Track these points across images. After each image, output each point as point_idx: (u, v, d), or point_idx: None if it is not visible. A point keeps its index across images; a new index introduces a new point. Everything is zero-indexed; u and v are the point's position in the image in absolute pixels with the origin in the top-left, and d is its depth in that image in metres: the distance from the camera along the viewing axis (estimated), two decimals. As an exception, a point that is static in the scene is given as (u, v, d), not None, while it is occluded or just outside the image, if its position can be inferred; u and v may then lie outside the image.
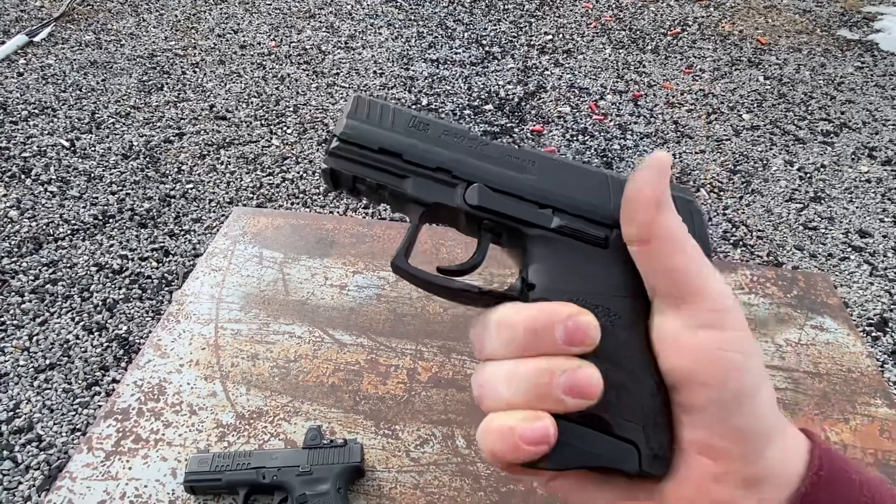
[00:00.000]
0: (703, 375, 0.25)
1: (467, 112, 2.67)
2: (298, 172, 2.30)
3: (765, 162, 2.41)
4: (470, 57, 3.05)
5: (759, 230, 2.11)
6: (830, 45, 3.19)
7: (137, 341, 1.69)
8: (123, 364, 1.64)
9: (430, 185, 0.31)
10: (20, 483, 1.39)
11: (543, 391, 0.25)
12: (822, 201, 2.24)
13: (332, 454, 0.55)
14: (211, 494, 0.55)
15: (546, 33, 3.26)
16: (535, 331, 0.26)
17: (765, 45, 3.17)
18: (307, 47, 3.07)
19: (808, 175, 2.35)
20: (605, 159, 2.42)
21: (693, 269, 0.26)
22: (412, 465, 0.58)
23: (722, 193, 2.27)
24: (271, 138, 2.46)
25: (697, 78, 2.91)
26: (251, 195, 2.20)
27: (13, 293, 1.80)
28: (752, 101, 2.76)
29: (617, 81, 2.87)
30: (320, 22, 3.30)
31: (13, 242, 1.96)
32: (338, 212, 2.12)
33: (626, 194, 0.27)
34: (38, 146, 2.35)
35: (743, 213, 2.18)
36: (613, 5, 3.53)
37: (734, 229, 2.12)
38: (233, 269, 0.77)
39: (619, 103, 2.73)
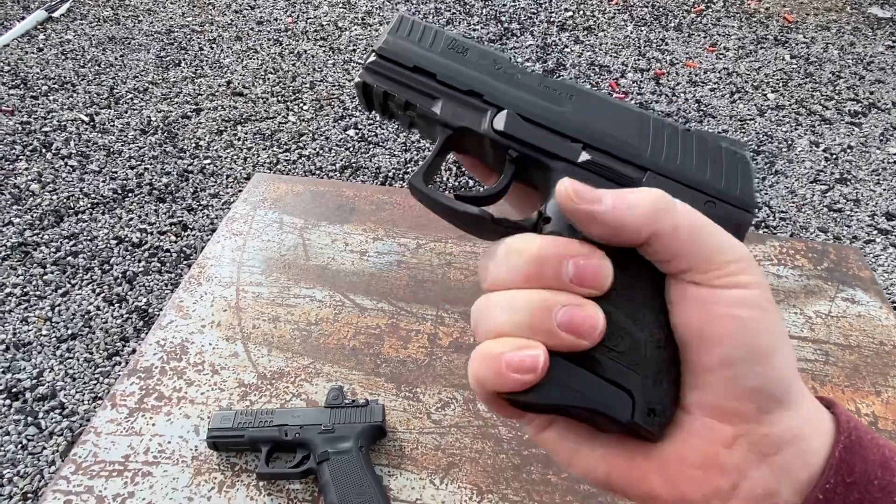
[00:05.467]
0: (714, 333, 0.23)
1: (485, 90, 2.64)
2: (315, 149, 2.30)
3: (789, 142, 2.36)
4: (488, 34, 3.00)
5: (782, 211, 2.07)
6: (860, 23, 3.09)
7: (157, 313, 1.71)
8: (143, 335, 1.66)
9: (459, 108, 0.30)
10: (44, 448, 1.42)
11: (540, 323, 0.23)
12: (849, 183, 2.18)
13: (354, 413, 0.54)
14: (233, 451, 0.55)
15: (566, 10, 3.20)
16: (543, 261, 0.24)
17: (792, 23, 3.08)
18: (324, 23, 3.05)
19: (835, 156, 2.29)
20: (624, 138, 2.38)
21: (699, 249, 0.24)
22: (433, 427, 0.57)
23: (744, 174, 2.22)
24: (288, 114, 2.46)
25: (721, 56, 2.83)
26: (268, 171, 2.20)
27: (35, 265, 1.83)
28: (777, 80, 2.69)
29: (638, 59, 2.81)
30: (337, -2, 3.27)
31: (35, 215, 1.98)
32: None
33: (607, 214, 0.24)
34: (58, 121, 2.37)
35: (766, 194, 2.14)
36: (636, -19, 3.44)
37: (756, 210, 2.08)
38: (253, 234, 0.77)
39: (641, 81, 2.67)
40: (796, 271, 0.74)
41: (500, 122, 0.29)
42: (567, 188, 0.24)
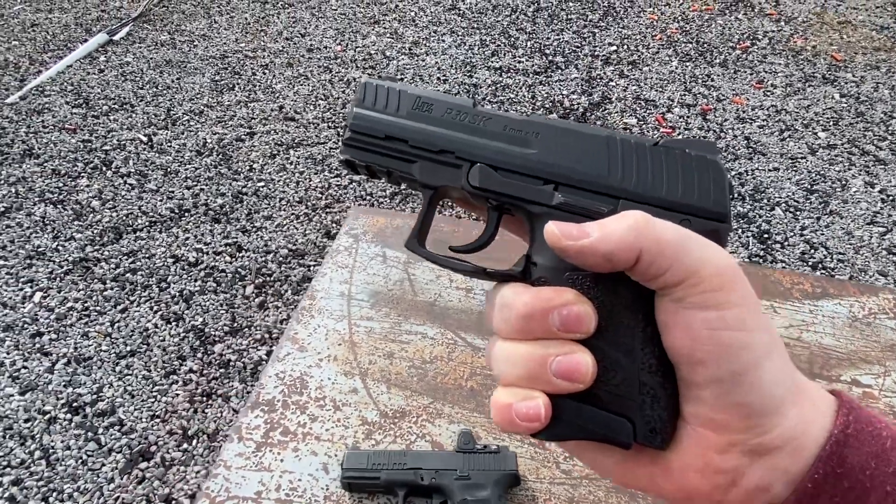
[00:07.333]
0: (700, 354, 0.25)
1: (531, 121, 2.66)
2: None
3: (843, 182, 2.32)
4: (533, 66, 3.04)
5: (839, 253, 2.03)
6: (910, 63, 3.06)
7: (213, 333, 1.73)
8: (199, 354, 1.68)
9: (436, 168, 0.32)
10: (103, 465, 1.43)
11: (538, 374, 0.26)
12: (908, 225, 2.14)
13: (488, 460, 0.54)
14: (366, 492, 0.55)
15: (610, 44, 3.23)
16: (531, 316, 0.27)
17: (840, 62, 3.06)
18: (372, 52, 3.12)
19: (892, 198, 2.25)
20: (674, 173, 2.37)
21: (684, 261, 0.25)
22: (564, 478, 0.56)
23: (798, 213, 2.19)
24: (338, 140, 2.50)
25: (769, 94, 2.83)
26: (320, 195, 2.23)
27: (96, 280, 1.86)
28: (827, 118, 2.67)
29: (684, 94, 2.82)
30: (385, 28, 3.34)
31: (95, 231, 2.03)
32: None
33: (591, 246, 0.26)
34: (118, 140, 2.45)
35: (822, 234, 2.10)
36: (679, 17, 3.47)
37: (812, 251, 2.04)
38: (358, 267, 0.77)
39: (688, 117, 2.67)
40: (912, 326, 0.73)
41: (474, 177, 0.31)
42: (554, 231, 0.26)
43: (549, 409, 0.26)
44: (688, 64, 3.05)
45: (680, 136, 2.61)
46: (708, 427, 0.26)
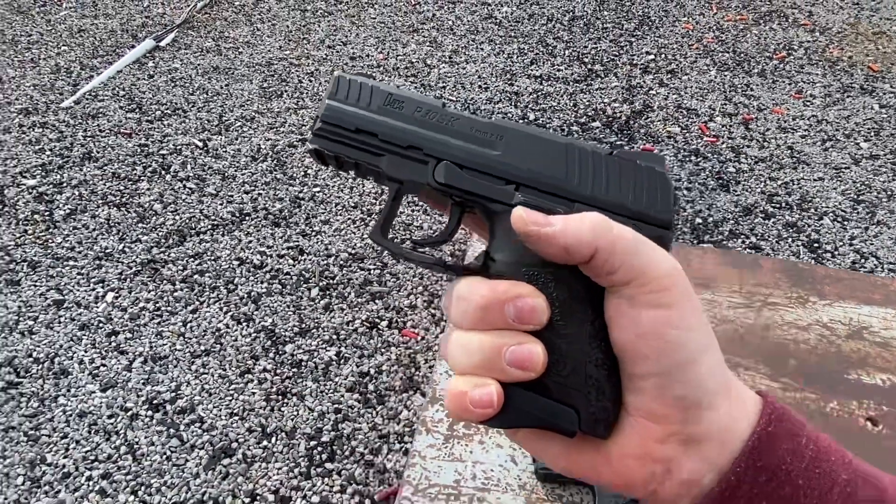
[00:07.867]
0: (644, 349, 0.27)
1: (575, 128, 2.71)
2: (417, 180, 2.37)
3: (889, 192, 2.35)
4: (573, 74, 3.09)
5: (890, 262, 2.06)
6: (946, 74, 3.09)
7: (283, 333, 1.78)
8: (271, 354, 1.72)
9: (403, 163, 0.33)
10: (187, 461, 1.48)
11: (492, 363, 0.28)
12: (957, 235, 2.16)
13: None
14: (557, 483, 0.59)
15: (648, 53, 3.27)
16: (487, 307, 0.29)
17: (877, 73, 3.09)
18: (413, 60, 3.17)
19: (938, 208, 2.28)
20: (720, 181, 2.41)
21: (633, 262, 0.27)
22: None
23: (846, 223, 2.22)
24: (388, 146, 2.55)
25: (809, 103, 2.86)
26: (374, 200, 2.28)
27: (165, 281, 1.92)
28: (868, 129, 2.70)
29: (725, 104, 2.86)
30: (423, 37, 3.40)
31: (160, 234, 2.09)
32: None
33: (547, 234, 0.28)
34: (173, 145, 2.50)
35: (871, 244, 2.13)
36: (714, 27, 3.51)
37: (863, 260, 2.07)
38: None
39: (730, 126, 2.71)
40: None
41: (440, 174, 0.32)
42: (521, 216, 0.28)
43: (500, 397, 0.28)
44: (726, 73, 3.09)
45: (723, 146, 2.64)
46: (648, 418, 0.28)
